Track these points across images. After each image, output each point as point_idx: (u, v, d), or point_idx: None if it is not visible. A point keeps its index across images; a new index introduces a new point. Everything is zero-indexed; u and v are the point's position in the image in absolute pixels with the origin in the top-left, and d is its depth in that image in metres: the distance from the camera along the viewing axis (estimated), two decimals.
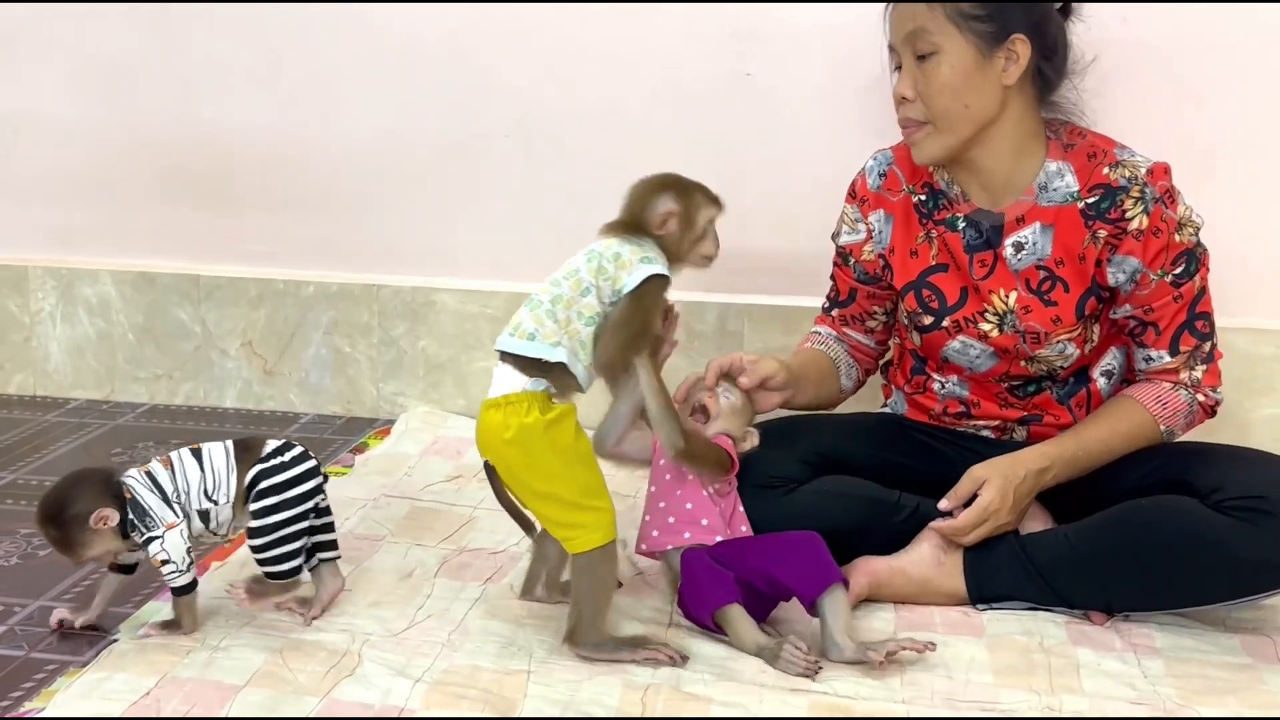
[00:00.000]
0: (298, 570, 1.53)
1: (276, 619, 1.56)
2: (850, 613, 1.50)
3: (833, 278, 1.89)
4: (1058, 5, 1.67)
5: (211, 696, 1.38)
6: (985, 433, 1.80)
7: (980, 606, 1.64)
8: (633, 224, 1.55)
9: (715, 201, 1.61)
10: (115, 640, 1.54)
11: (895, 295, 1.82)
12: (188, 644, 1.48)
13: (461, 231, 2.43)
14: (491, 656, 1.49)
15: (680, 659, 1.48)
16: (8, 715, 1.39)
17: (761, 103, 2.27)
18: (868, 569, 1.63)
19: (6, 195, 2.54)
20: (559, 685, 1.42)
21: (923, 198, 1.75)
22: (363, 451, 2.27)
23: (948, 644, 1.53)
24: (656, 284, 1.50)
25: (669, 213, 1.55)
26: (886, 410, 1.92)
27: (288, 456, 1.53)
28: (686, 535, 1.57)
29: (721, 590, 1.50)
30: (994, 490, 1.60)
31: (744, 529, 1.61)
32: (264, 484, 1.51)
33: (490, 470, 1.53)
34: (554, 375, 1.47)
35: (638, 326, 1.48)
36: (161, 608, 1.61)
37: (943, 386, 1.80)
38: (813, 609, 1.48)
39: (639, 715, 1.37)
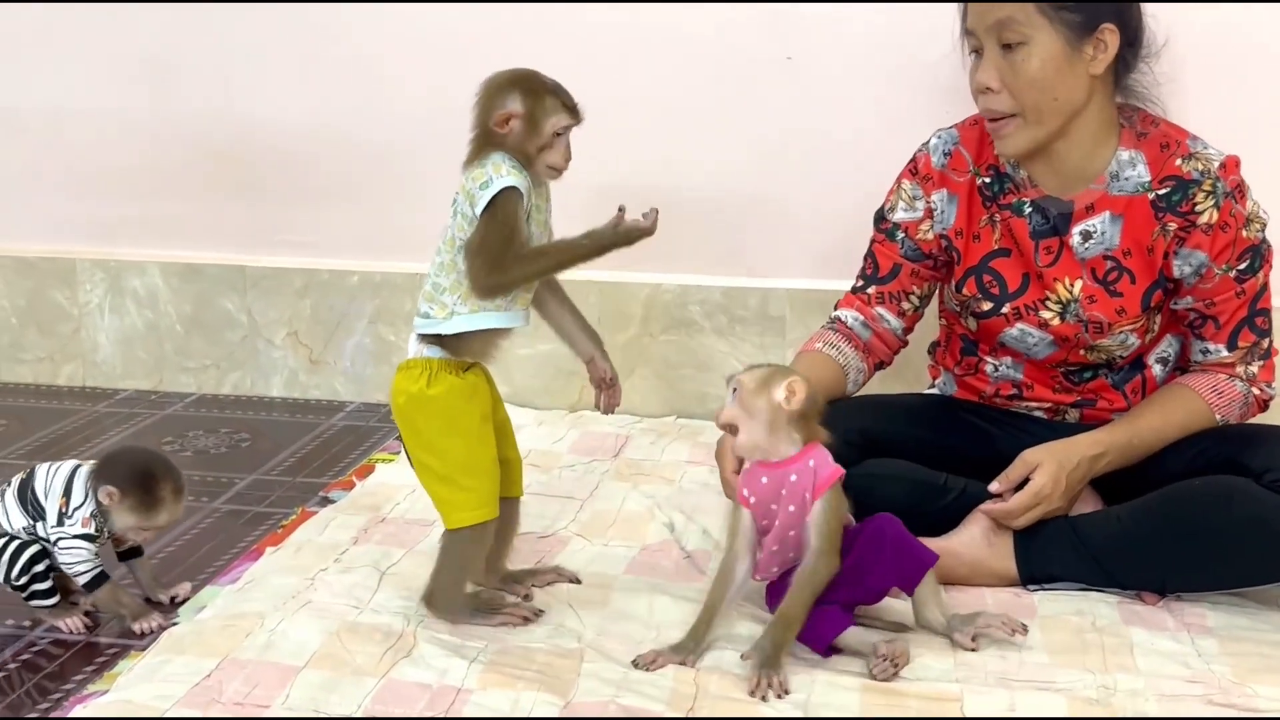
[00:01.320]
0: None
1: (331, 602, 1.58)
2: (939, 587, 1.52)
3: (871, 254, 1.83)
4: None
5: (272, 677, 1.39)
6: (1038, 413, 1.79)
7: (1031, 587, 1.64)
8: (483, 132, 1.47)
9: (570, 109, 1.49)
10: (175, 623, 1.56)
11: (939, 278, 1.81)
12: (246, 626, 1.50)
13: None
14: (543, 638, 1.51)
15: (535, 615, 1.52)
16: (74, 698, 1.42)
17: (802, 86, 2.27)
18: None
19: (54, 188, 2.58)
20: (610, 665, 1.43)
21: (987, 180, 1.73)
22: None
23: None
24: (505, 197, 1.42)
25: (511, 114, 1.45)
26: (934, 391, 1.91)
27: None
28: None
29: (830, 626, 1.45)
30: (1047, 475, 1.60)
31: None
32: None
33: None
34: (461, 340, 1.46)
35: (495, 245, 1.42)
36: (218, 592, 1.64)
37: (995, 369, 1.79)
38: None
39: (692, 693, 1.37)
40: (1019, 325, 1.72)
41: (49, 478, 1.57)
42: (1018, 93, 1.60)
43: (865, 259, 1.85)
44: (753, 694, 1.36)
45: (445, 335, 1.47)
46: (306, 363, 2.55)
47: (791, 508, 1.43)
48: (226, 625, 1.51)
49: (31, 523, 1.55)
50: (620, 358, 2.41)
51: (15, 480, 1.58)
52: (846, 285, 2.29)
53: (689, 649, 1.44)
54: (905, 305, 1.82)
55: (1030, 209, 1.70)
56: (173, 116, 2.48)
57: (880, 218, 1.83)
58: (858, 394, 1.85)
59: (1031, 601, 1.61)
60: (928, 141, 1.80)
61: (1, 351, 2.64)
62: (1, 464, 2.16)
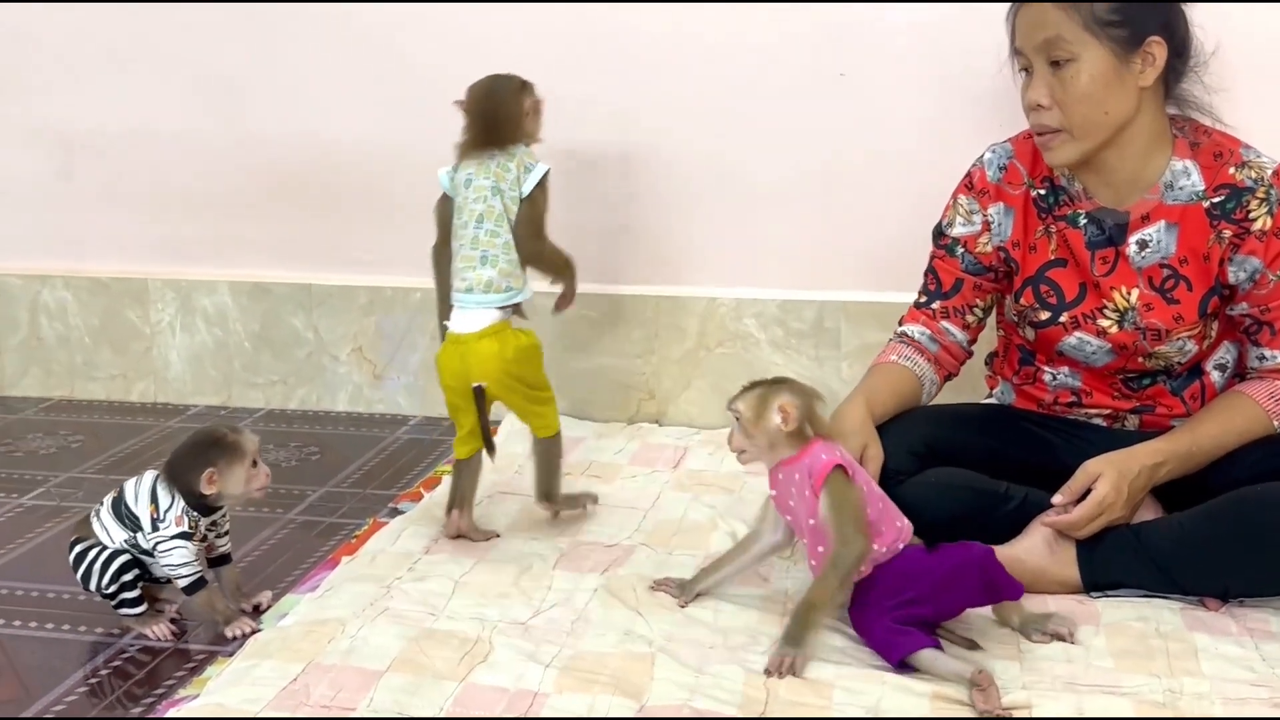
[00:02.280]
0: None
1: (408, 609, 1.63)
2: (1022, 608, 1.55)
3: (933, 270, 1.88)
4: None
5: (355, 681, 1.44)
6: (1097, 420, 1.81)
7: (1094, 594, 1.66)
8: (502, 123, 1.87)
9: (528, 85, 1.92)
10: (259, 630, 1.62)
11: (1000, 290, 1.83)
12: (329, 632, 1.55)
13: (561, 236, 2.49)
14: (614, 643, 1.54)
15: (594, 499, 1.97)
16: (165, 701, 1.47)
17: (855, 101, 2.31)
18: None
19: (126, 210, 2.66)
20: (682, 669, 1.47)
21: (1042, 192, 1.76)
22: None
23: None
24: (547, 177, 1.86)
25: (534, 104, 1.90)
26: (993, 400, 1.94)
27: None
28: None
29: (909, 640, 1.47)
30: (1109, 484, 1.62)
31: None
32: None
33: (479, 393, 1.82)
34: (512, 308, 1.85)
35: (542, 218, 1.87)
36: (299, 600, 1.69)
37: (1054, 378, 1.81)
38: None
39: (763, 698, 1.41)
40: (1077, 334, 1.74)
41: (136, 489, 1.63)
42: (1067, 108, 1.63)
43: (926, 275, 1.88)
44: (768, 672, 1.44)
45: (520, 301, 1.86)
46: (370, 378, 2.61)
47: (794, 503, 1.54)
48: (309, 631, 1.57)
49: (131, 534, 1.61)
50: (676, 370, 2.48)
51: (108, 499, 1.65)
52: (901, 298, 2.33)
53: (688, 588, 1.66)
54: (969, 318, 1.85)
55: (1085, 220, 1.73)
56: (244, 139, 2.56)
57: (939, 233, 1.86)
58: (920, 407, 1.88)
59: (1095, 608, 1.63)
60: (982, 156, 1.83)
61: (76, 369, 2.73)
62: (80, 478, 2.24)
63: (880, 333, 2.34)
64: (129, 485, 1.64)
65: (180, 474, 1.61)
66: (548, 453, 1.90)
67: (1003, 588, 1.52)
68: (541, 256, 1.88)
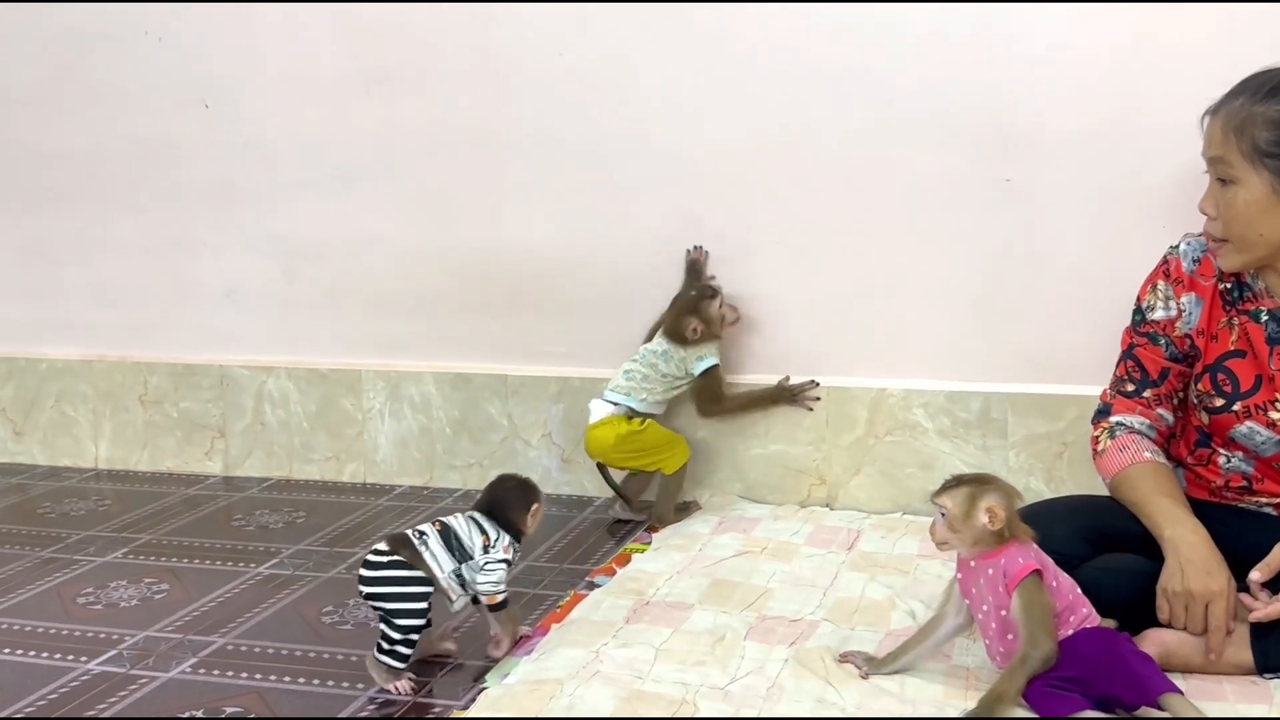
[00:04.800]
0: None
1: (617, 672, 1.79)
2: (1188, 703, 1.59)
3: (1135, 358, 1.93)
4: None
5: None
6: (1268, 509, 1.88)
7: (1268, 676, 1.72)
8: (678, 337, 2.59)
9: (711, 293, 2.58)
10: (484, 688, 1.80)
11: (1190, 375, 1.92)
12: (549, 690, 1.73)
13: (738, 329, 2.68)
14: (809, 709, 1.68)
15: (698, 505, 2.63)
16: None
17: (1019, 204, 2.44)
18: (1158, 640, 1.73)
19: (344, 308, 2.95)
20: None
21: (1228, 286, 1.86)
22: (656, 530, 2.52)
23: (1236, 711, 1.63)
24: (715, 369, 2.60)
25: (694, 328, 2.56)
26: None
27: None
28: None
29: (1064, 706, 1.58)
30: None
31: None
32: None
33: (601, 467, 2.61)
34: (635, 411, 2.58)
35: (715, 391, 2.62)
36: (518, 662, 1.88)
37: (1228, 461, 1.90)
38: None
39: None
40: (1248, 423, 1.83)
41: (466, 526, 1.91)
42: (1226, 222, 1.75)
43: (1126, 362, 1.96)
44: None
45: (635, 408, 2.58)
46: (559, 461, 2.82)
47: (978, 591, 1.64)
48: (532, 689, 1.75)
49: (458, 565, 1.88)
50: (846, 457, 2.62)
51: (432, 533, 1.89)
52: (1063, 390, 2.45)
53: (876, 665, 1.76)
54: (1175, 401, 1.94)
55: (1267, 317, 1.82)
56: (450, 245, 2.83)
57: (1140, 320, 1.94)
58: (1087, 493, 1.98)
59: (1268, 689, 1.69)
60: (1177, 246, 1.92)
61: (294, 452, 3.01)
62: (309, 550, 2.48)
63: (1046, 424, 2.47)
64: (454, 521, 1.91)
65: (508, 510, 1.94)
66: (666, 483, 2.57)
67: (1147, 687, 1.57)
68: (706, 415, 2.68)
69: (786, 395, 2.63)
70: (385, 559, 1.84)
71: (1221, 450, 1.90)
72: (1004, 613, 1.62)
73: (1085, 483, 2.32)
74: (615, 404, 2.56)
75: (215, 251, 3.02)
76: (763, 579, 2.19)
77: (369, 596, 1.84)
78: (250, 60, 2.90)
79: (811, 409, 2.62)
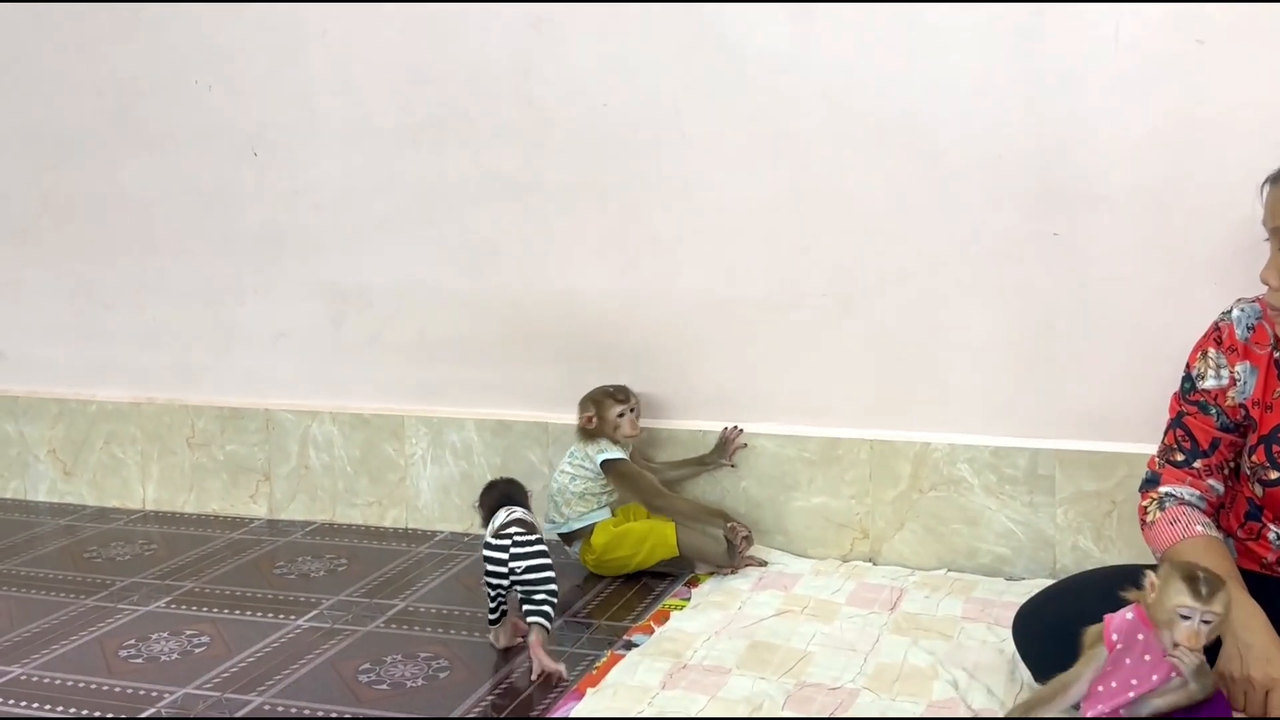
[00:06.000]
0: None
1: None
2: None
3: (1185, 428, 1.88)
4: None
5: None
6: None
7: None
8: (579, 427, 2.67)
9: (621, 398, 2.64)
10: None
11: (1242, 445, 1.87)
12: None
13: (782, 381, 2.66)
14: None
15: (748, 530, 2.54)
16: None
17: (1071, 259, 2.40)
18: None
19: (388, 354, 2.97)
20: None
21: None
22: (696, 584, 2.50)
23: None
24: (618, 462, 2.61)
25: (588, 417, 2.62)
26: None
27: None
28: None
29: None
30: None
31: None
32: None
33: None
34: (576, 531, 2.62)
35: (630, 483, 2.62)
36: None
37: (1279, 536, 1.85)
38: None
39: None
40: None
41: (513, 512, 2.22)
42: None
43: (1176, 430, 1.90)
44: None
45: (576, 526, 2.63)
46: None
47: (1131, 662, 1.59)
48: None
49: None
50: (890, 511, 2.59)
51: (520, 511, 2.22)
52: (1112, 447, 2.40)
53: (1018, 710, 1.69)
54: (1226, 471, 1.89)
55: None
56: (494, 293, 2.84)
57: (1190, 388, 1.89)
58: (1137, 554, 1.93)
59: None
60: (1230, 312, 1.87)
61: (338, 496, 3.03)
62: (349, 602, 2.48)
63: (1094, 481, 2.42)
64: (513, 512, 2.21)
65: (523, 498, 2.33)
66: (690, 546, 2.55)
67: None
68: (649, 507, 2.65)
69: (713, 457, 2.67)
70: (533, 537, 2.11)
71: (1272, 525, 1.85)
72: (1136, 682, 1.59)
73: (1134, 541, 2.27)
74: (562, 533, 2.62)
75: (262, 297, 3.05)
76: (802, 641, 2.16)
77: (522, 573, 2.08)
78: (299, 109, 2.93)
79: (735, 465, 2.66)
